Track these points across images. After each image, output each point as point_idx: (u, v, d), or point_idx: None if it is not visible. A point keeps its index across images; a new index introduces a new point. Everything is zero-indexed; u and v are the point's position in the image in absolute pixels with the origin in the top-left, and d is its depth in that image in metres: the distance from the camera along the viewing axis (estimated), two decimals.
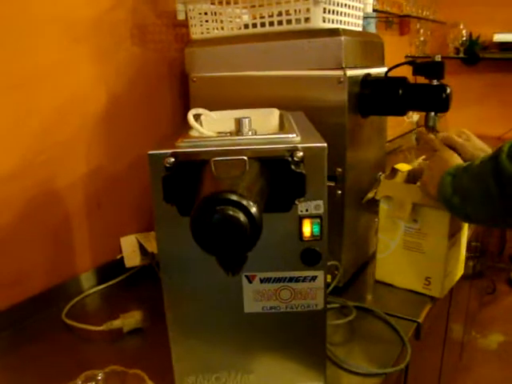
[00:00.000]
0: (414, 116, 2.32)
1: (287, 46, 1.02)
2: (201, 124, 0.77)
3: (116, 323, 0.94)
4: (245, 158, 0.51)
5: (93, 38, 1.08)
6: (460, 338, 2.01)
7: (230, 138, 0.64)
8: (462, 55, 2.89)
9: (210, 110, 0.82)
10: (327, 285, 0.99)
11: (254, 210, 0.42)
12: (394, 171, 1.07)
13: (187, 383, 0.70)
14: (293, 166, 0.57)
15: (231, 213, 0.41)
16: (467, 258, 1.16)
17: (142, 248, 1.17)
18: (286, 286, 0.66)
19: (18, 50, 0.95)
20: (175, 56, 1.28)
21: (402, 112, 1.03)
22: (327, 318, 0.96)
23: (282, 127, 0.73)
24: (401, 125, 2.35)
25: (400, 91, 1.00)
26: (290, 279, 0.65)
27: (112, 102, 1.15)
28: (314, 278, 0.65)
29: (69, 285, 1.11)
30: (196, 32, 1.17)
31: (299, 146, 0.60)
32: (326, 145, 0.60)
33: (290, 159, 0.57)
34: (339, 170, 0.99)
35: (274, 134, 0.63)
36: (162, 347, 0.71)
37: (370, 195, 1.09)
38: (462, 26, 2.87)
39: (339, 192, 1.00)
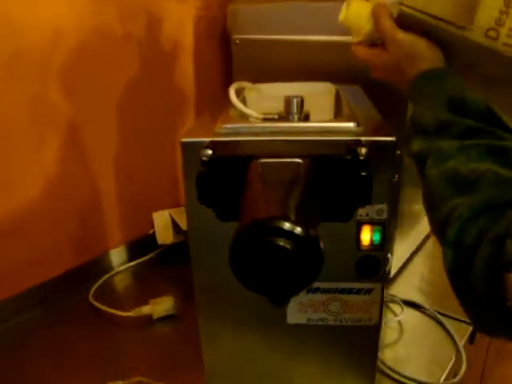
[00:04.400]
0: None
1: (340, 8, 0.90)
2: (243, 98, 0.67)
3: (145, 309, 0.89)
4: (299, 160, 0.41)
5: None
6: None
7: (278, 125, 0.54)
8: None
9: (254, 75, 0.74)
10: None
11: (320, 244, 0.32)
12: None
13: None
14: (355, 167, 0.47)
15: (287, 246, 0.31)
16: None
17: (175, 224, 1.10)
18: (337, 298, 0.57)
19: None
20: (216, 14, 1.16)
21: None
22: None
23: (338, 109, 0.63)
24: None
25: None
26: (342, 290, 0.57)
27: (144, 67, 1.05)
28: (369, 291, 0.56)
29: (99, 260, 1.07)
30: None
31: (362, 138, 0.49)
32: (395, 139, 0.50)
33: (351, 158, 0.47)
34: (397, 152, 0.87)
35: (331, 123, 0.53)
36: (193, 334, 0.64)
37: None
38: None
39: (396, 176, 0.89)
